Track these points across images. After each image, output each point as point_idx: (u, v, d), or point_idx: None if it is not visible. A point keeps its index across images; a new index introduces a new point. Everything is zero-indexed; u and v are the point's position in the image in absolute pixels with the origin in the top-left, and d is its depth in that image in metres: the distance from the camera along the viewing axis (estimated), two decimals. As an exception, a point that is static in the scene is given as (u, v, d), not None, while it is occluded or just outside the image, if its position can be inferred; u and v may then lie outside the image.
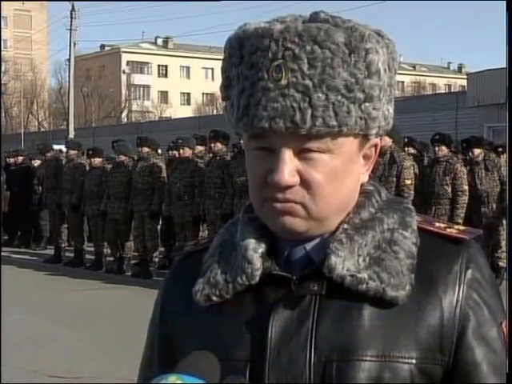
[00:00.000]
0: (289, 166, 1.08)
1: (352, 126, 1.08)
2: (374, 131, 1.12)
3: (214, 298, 1.16)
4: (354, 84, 1.07)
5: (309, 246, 1.16)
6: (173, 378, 0.96)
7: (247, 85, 1.09)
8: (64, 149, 14.34)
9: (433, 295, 1.12)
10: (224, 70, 1.15)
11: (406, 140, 11.04)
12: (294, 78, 1.06)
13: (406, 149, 10.54)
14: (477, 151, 9.67)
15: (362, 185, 1.19)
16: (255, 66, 1.08)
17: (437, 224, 1.21)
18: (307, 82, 1.06)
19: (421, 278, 1.13)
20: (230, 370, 1.10)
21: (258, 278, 1.14)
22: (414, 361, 1.09)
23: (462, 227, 1.21)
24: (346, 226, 1.14)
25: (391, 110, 1.14)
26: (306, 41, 1.06)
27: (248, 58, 1.09)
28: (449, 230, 1.19)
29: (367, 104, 1.09)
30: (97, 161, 12.15)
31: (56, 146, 14.83)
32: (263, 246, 1.16)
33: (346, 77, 1.07)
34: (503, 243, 9.34)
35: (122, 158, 11.62)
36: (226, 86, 1.15)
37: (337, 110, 1.07)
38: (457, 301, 1.13)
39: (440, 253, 1.16)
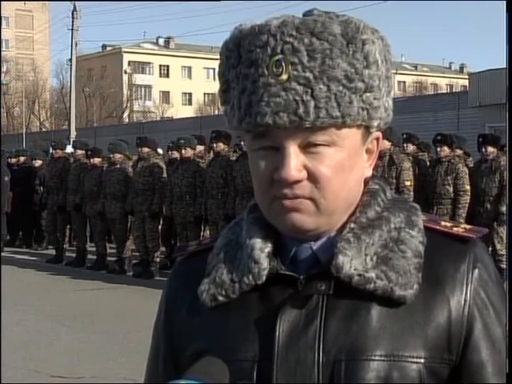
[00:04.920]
0: (295, 161, 1.08)
1: (355, 116, 1.08)
2: (375, 123, 1.12)
3: (220, 298, 1.15)
4: (353, 74, 1.07)
5: (315, 245, 1.15)
6: None
7: (248, 83, 1.09)
8: (70, 150, 14.32)
9: (440, 294, 1.12)
10: (221, 75, 1.15)
11: (404, 136, 10.96)
12: (295, 71, 1.06)
13: (405, 145, 10.45)
14: (490, 149, 9.46)
15: (366, 183, 1.19)
16: (254, 63, 1.08)
17: (443, 223, 1.20)
18: (308, 74, 1.06)
19: (428, 277, 1.12)
20: (237, 370, 1.10)
21: (264, 278, 1.13)
22: (422, 360, 1.09)
23: (468, 226, 1.21)
24: (352, 225, 1.14)
25: (390, 102, 1.15)
26: (303, 33, 1.06)
27: (246, 56, 1.09)
28: (455, 228, 1.18)
29: (368, 94, 1.09)
30: (96, 161, 12.18)
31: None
32: (269, 245, 1.15)
33: (346, 67, 1.07)
34: (498, 246, 9.21)
35: (117, 156, 11.63)
36: (224, 91, 1.15)
37: (339, 101, 1.07)
38: (465, 300, 1.12)
39: (447, 252, 1.15)
